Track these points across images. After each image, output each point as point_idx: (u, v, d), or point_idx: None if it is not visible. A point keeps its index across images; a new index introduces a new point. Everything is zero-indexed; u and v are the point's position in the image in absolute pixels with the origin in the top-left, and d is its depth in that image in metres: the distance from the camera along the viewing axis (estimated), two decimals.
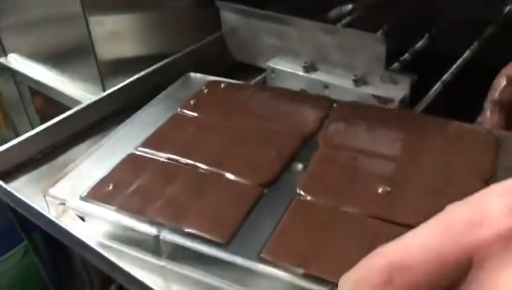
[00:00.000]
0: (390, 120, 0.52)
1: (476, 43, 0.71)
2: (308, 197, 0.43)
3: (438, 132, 0.49)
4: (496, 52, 0.66)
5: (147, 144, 0.51)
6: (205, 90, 0.59)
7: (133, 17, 0.70)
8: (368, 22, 0.81)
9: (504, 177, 0.43)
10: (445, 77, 0.64)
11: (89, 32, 0.66)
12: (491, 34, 0.74)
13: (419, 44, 0.71)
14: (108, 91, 0.63)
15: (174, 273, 0.41)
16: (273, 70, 0.66)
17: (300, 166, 0.47)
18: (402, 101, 0.57)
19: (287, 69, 0.65)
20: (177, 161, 0.48)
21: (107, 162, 0.49)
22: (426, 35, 0.73)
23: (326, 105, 0.55)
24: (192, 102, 0.57)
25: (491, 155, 0.46)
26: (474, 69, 0.67)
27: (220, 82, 0.61)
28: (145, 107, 0.58)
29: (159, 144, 0.51)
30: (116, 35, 0.69)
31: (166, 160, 0.48)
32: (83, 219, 0.44)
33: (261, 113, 0.55)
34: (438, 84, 0.63)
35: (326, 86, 0.62)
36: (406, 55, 0.67)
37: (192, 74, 0.64)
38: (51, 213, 0.45)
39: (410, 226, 0.38)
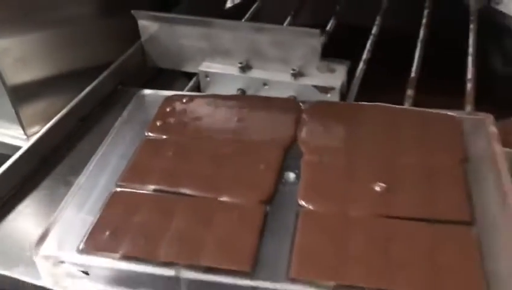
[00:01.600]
0: (360, 114, 0.55)
1: (378, 18, 0.77)
2: (313, 208, 0.44)
3: (408, 121, 0.53)
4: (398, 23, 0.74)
5: (127, 177, 0.48)
6: (166, 109, 0.57)
7: (40, 38, 0.63)
8: (273, 12, 0.85)
9: (476, 157, 0.48)
10: (364, 56, 0.69)
11: None
12: (387, 6, 0.81)
13: (329, 25, 0.76)
14: (43, 129, 0.58)
15: None
16: (206, 74, 0.66)
17: (292, 175, 0.48)
18: (342, 87, 0.61)
19: (223, 71, 0.65)
20: (166, 191, 0.47)
21: (91, 204, 0.46)
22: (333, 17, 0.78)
23: (295, 107, 0.56)
24: (158, 123, 0.55)
25: (461, 138, 0.51)
26: (385, 41, 0.74)
27: (178, 97, 0.59)
28: (107, 137, 0.54)
29: (140, 175, 0.48)
30: (25, 60, 0.61)
31: (154, 193, 0.47)
32: (86, 273, 0.41)
33: (234, 125, 0.54)
34: (361, 63, 0.67)
35: (265, 83, 0.64)
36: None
37: (145, 91, 0.61)
38: (44, 279, 0.42)
39: (415, 219, 0.42)
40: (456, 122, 0.52)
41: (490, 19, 0.82)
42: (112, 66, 0.68)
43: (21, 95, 0.61)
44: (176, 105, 0.58)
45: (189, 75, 0.71)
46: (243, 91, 0.65)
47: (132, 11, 0.69)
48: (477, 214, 0.43)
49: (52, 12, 0.63)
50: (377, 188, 0.45)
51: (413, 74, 0.65)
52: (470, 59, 0.67)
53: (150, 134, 0.54)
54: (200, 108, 0.57)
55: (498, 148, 0.49)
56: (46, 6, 0.62)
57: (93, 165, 0.51)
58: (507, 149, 0.50)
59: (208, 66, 0.66)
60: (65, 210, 0.46)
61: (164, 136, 0.54)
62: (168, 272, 0.39)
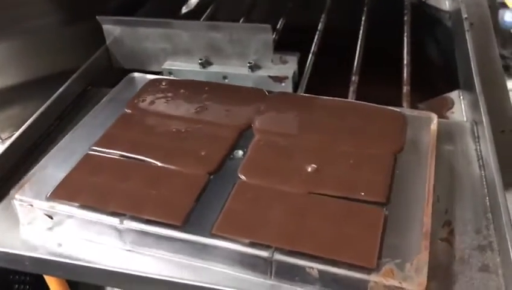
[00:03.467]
0: (312, 106, 0.60)
1: (323, 15, 0.83)
2: (248, 180, 0.50)
3: (353, 113, 0.58)
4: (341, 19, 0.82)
5: (99, 143, 0.56)
6: (148, 89, 0.65)
7: (10, 48, 0.68)
8: (227, 11, 0.91)
9: (411, 150, 0.53)
10: (312, 48, 0.75)
11: None
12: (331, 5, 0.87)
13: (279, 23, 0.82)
14: (22, 128, 0.61)
15: (139, 255, 0.47)
16: (170, 72, 0.72)
17: (240, 153, 0.54)
18: (293, 76, 0.67)
19: (185, 68, 0.71)
20: (129, 157, 0.54)
21: (66, 163, 0.54)
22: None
23: (259, 97, 0.62)
24: (136, 101, 0.63)
25: (400, 132, 0.55)
26: (330, 36, 0.80)
27: (160, 80, 0.67)
28: (92, 112, 0.62)
29: (111, 143, 0.56)
30: None
31: (119, 157, 0.54)
32: (51, 217, 0.49)
33: (201, 109, 0.61)
34: (310, 56, 0.73)
35: (225, 76, 0.70)
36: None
37: (136, 74, 0.69)
38: (21, 219, 0.50)
39: (335, 197, 0.47)
40: (399, 118, 0.57)
41: (424, 11, 0.88)
42: (80, 69, 0.71)
43: None
44: (156, 87, 0.65)
45: (154, 74, 0.74)
46: None
47: (97, 17, 0.74)
48: (393, 197, 0.48)
49: (20, 23, 0.69)
50: (309, 169, 0.50)
51: (355, 63, 0.71)
52: (405, 48, 0.73)
53: (127, 110, 0.61)
54: (176, 91, 0.64)
55: (432, 146, 0.54)
56: (13, 18, 0.68)
57: (74, 132, 0.59)
58: (441, 120, 0.57)
59: (171, 64, 0.72)
60: (43, 166, 0.54)
61: (139, 113, 0.61)
62: (114, 221, 0.47)
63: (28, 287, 0.82)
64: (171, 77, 0.70)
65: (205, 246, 0.45)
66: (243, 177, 0.51)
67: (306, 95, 0.64)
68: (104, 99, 0.65)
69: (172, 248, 0.46)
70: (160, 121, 0.59)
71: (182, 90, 0.65)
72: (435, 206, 0.48)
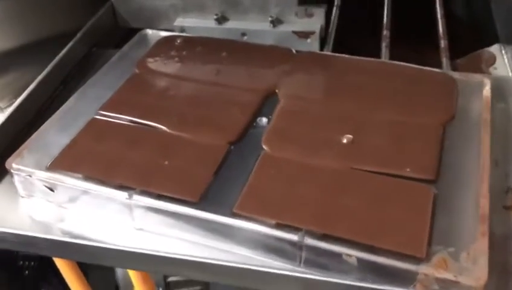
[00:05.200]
0: (347, 68, 0.53)
1: None
2: (273, 152, 0.44)
3: (393, 76, 0.51)
4: None
5: (107, 107, 0.50)
6: (160, 47, 0.58)
7: (2, 7, 0.61)
8: None
9: (462, 119, 0.46)
10: (336, 2, 0.67)
11: None
12: None
13: None
14: (24, 94, 0.55)
15: (151, 234, 0.42)
16: (183, 29, 0.65)
17: (264, 120, 0.48)
18: (321, 31, 0.60)
19: (199, 24, 0.64)
20: (140, 123, 0.48)
21: (69, 128, 0.48)
22: None
23: (286, 57, 0.55)
24: (147, 61, 0.56)
25: (449, 98, 0.48)
26: None
27: (174, 37, 0.60)
28: (100, 71, 0.56)
29: (120, 106, 0.50)
30: None
31: (129, 123, 0.48)
32: (51, 189, 0.44)
33: (220, 70, 0.55)
34: (334, 9, 0.66)
35: (243, 33, 0.63)
36: None
37: (149, 31, 0.63)
38: (19, 190, 0.45)
39: (375, 173, 0.41)
40: (448, 82, 0.50)
41: None
42: (84, 29, 0.65)
43: None
44: (170, 45, 0.58)
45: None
46: None
47: None
48: (443, 174, 0.41)
49: None
50: (344, 140, 0.44)
51: (385, 16, 0.64)
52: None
53: (137, 70, 0.55)
54: (192, 50, 0.58)
55: (486, 114, 0.47)
56: None
57: (80, 93, 0.53)
58: (479, 75, 0.52)
59: (182, 22, 0.65)
60: (45, 131, 0.48)
61: (150, 74, 0.55)
62: (122, 195, 0.41)
63: (31, 262, 0.77)
64: (187, 34, 0.63)
65: (225, 226, 0.39)
66: (267, 148, 0.44)
67: (337, 54, 0.57)
68: (114, 57, 0.58)
69: (187, 227, 0.40)
70: (174, 84, 0.53)
71: (198, 49, 0.58)
72: (493, 173, 0.42)
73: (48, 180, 0.43)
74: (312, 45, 0.60)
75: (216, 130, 0.46)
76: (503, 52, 0.63)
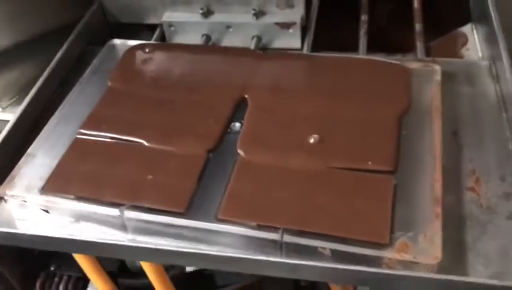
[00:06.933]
0: (310, 66, 0.57)
1: None
2: (248, 156, 0.48)
3: (353, 70, 0.55)
4: None
5: (87, 125, 0.53)
6: (129, 58, 0.61)
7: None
8: None
9: (417, 109, 0.50)
10: None
11: None
12: None
13: None
14: (26, 101, 0.58)
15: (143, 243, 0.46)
16: (170, 24, 0.67)
17: (238, 125, 0.52)
18: (301, 21, 0.63)
19: (186, 19, 0.67)
20: (120, 139, 0.51)
21: (54, 149, 0.51)
22: None
23: (253, 58, 0.59)
24: (118, 73, 0.59)
25: (404, 89, 0.53)
26: None
27: (142, 46, 0.62)
28: (76, 87, 0.59)
29: (99, 124, 0.53)
30: None
31: (110, 140, 0.51)
32: (47, 211, 0.47)
33: (190, 78, 0.58)
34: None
35: (228, 26, 0.65)
36: None
37: (116, 41, 0.65)
38: (15, 214, 0.48)
39: (341, 169, 0.45)
40: (403, 72, 0.54)
41: None
42: (77, 28, 0.68)
43: None
44: (139, 55, 0.61)
45: (152, 28, 0.71)
46: (208, 36, 0.67)
47: None
48: (401, 164, 0.46)
49: None
50: (311, 140, 0.48)
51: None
52: None
53: (110, 83, 0.57)
54: (161, 58, 0.60)
55: (437, 102, 0.51)
56: None
57: (60, 112, 0.55)
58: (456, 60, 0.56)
59: (170, 16, 0.68)
60: (31, 155, 0.51)
61: (124, 86, 0.57)
62: (114, 211, 0.45)
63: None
64: (151, 42, 0.65)
65: (212, 232, 0.43)
66: (242, 153, 0.48)
67: (302, 53, 0.61)
68: (86, 72, 0.61)
69: (177, 236, 0.44)
70: (148, 94, 0.56)
71: (166, 57, 0.61)
72: (459, 158, 0.47)
73: (42, 203, 0.47)
74: (294, 34, 0.63)
75: (194, 139, 0.50)
76: (475, 32, 0.66)
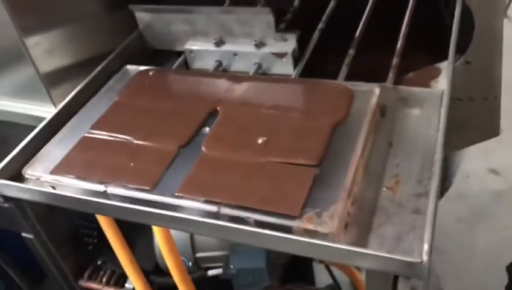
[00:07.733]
0: (270, 87, 0.70)
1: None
2: (209, 152, 0.61)
3: (304, 90, 0.68)
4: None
5: (94, 127, 0.68)
6: (136, 80, 0.76)
7: (61, 33, 0.81)
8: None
9: (353, 122, 0.61)
10: (319, 26, 0.83)
11: (29, 54, 0.76)
12: None
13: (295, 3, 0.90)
14: (67, 98, 0.74)
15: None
16: (191, 51, 0.83)
17: (207, 130, 0.65)
18: (293, 52, 0.76)
19: (202, 48, 0.82)
20: (115, 137, 0.66)
21: (66, 145, 0.66)
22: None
23: (227, 81, 0.72)
24: (126, 91, 0.74)
25: (343, 105, 0.64)
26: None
27: (148, 71, 0.78)
28: (93, 98, 0.75)
29: (103, 126, 0.68)
30: (51, 51, 0.79)
31: (107, 137, 0.66)
32: (54, 187, 0.62)
33: (179, 94, 0.72)
34: (316, 32, 0.81)
35: (235, 54, 0.80)
36: (288, 15, 0.86)
37: (129, 66, 0.81)
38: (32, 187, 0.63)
39: (277, 163, 0.57)
40: (346, 92, 0.66)
41: None
42: (116, 50, 0.84)
43: (51, 79, 0.79)
44: (144, 77, 0.76)
45: (179, 53, 0.87)
46: (219, 62, 0.82)
47: (129, 6, 0.87)
48: (327, 162, 0.57)
49: (67, 11, 0.81)
50: (260, 141, 0.61)
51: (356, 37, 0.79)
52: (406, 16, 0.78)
53: (119, 98, 0.73)
54: (160, 80, 0.76)
55: (369, 117, 0.62)
56: (61, 5, 0.80)
57: (77, 117, 0.71)
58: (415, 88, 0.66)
59: (191, 44, 0.84)
60: (51, 146, 0.67)
61: (128, 101, 0.73)
62: (99, 187, 0.59)
63: (93, 240, 0.98)
64: (156, 67, 0.81)
65: (170, 206, 0.56)
66: (204, 149, 0.61)
67: (271, 76, 0.74)
68: (103, 89, 0.77)
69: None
70: (144, 106, 0.71)
71: (164, 79, 0.76)
72: (389, 162, 0.58)
73: (51, 181, 0.62)
74: (287, 63, 0.77)
75: (170, 138, 0.64)
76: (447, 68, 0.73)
